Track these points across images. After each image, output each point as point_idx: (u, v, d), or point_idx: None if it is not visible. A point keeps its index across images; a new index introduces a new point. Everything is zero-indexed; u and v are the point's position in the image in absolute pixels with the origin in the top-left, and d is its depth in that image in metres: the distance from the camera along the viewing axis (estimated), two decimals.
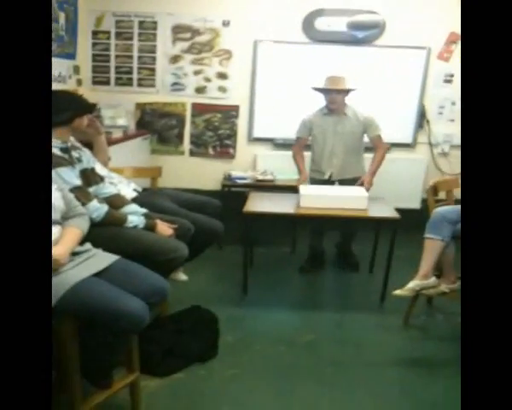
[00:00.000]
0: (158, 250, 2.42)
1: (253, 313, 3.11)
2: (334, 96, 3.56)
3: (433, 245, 2.82)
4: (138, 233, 2.49)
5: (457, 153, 4.70)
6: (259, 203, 3.52)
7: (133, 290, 1.90)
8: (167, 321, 2.62)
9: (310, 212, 3.27)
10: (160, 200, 3.03)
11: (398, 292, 2.82)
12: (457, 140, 4.66)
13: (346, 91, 3.61)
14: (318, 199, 3.28)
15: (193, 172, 4.91)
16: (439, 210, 2.89)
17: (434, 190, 3.08)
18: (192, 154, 4.93)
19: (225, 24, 4.60)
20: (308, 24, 4.54)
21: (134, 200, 2.81)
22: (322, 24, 4.52)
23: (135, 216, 2.57)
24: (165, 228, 2.62)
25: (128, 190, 2.92)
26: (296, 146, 3.82)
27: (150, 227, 2.58)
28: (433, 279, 2.84)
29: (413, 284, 2.81)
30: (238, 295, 3.34)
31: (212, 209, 3.25)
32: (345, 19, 4.40)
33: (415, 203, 4.67)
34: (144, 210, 2.68)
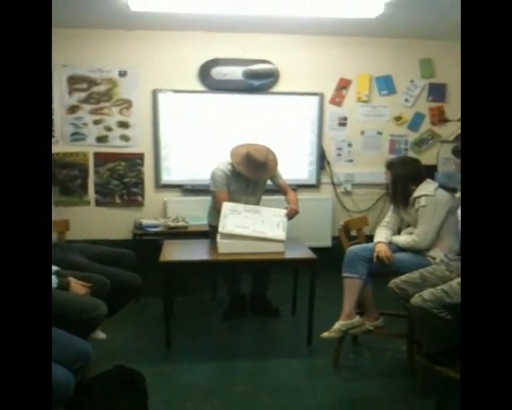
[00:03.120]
0: (74, 310, 2.25)
1: (180, 368, 2.96)
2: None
3: (351, 284, 2.90)
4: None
5: (359, 191, 4.96)
6: (175, 251, 3.41)
7: (55, 358, 1.71)
8: (90, 385, 2.38)
9: (227, 257, 3.23)
10: (71, 255, 2.84)
11: (325, 335, 2.85)
12: (358, 179, 4.93)
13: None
14: (236, 244, 3.23)
15: (101, 223, 4.69)
16: (352, 249, 2.99)
17: (346, 229, 3.19)
18: (98, 203, 4.71)
19: (122, 74, 4.54)
20: (204, 73, 4.60)
21: None
22: (218, 73, 4.60)
23: None
24: (79, 287, 2.45)
25: None
26: (220, 202, 3.45)
27: (63, 286, 2.39)
28: (357, 318, 2.90)
29: (339, 325, 2.85)
30: (162, 349, 3.17)
31: (128, 261, 3.11)
32: (239, 68, 4.52)
33: (326, 242, 4.80)
34: (55, 268, 2.47)
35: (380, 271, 2.89)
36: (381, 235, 3.03)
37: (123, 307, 2.85)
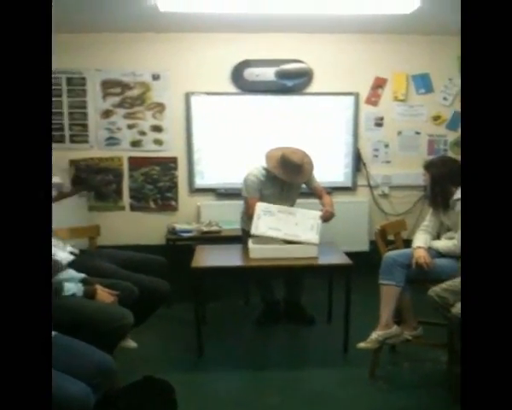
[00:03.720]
0: (100, 320, 2.21)
1: (211, 377, 2.89)
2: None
3: (388, 291, 2.77)
4: (77, 302, 2.26)
5: (397, 193, 4.79)
6: (207, 257, 3.37)
7: (74, 371, 1.68)
8: (117, 397, 2.34)
9: (260, 263, 3.15)
10: (100, 261, 2.82)
11: (362, 345, 2.73)
12: (395, 181, 4.76)
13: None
14: (268, 249, 3.16)
15: (135, 228, 4.69)
16: (390, 254, 2.86)
17: (382, 233, 3.05)
18: (133, 208, 4.72)
19: (155, 78, 4.55)
20: (237, 75, 4.55)
21: (71, 264, 2.58)
22: (250, 74, 4.55)
23: (72, 283, 2.35)
24: (105, 295, 2.41)
25: (64, 253, 2.68)
26: (252, 208, 3.35)
27: (89, 294, 2.36)
28: (395, 328, 2.77)
29: (376, 335, 2.73)
30: (193, 357, 3.11)
31: (157, 267, 3.07)
32: (272, 69, 4.43)
33: (363, 246, 4.64)
34: (82, 275, 2.46)
35: (419, 277, 2.74)
36: (420, 240, 2.88)
37: (150, 316, 2.79)
